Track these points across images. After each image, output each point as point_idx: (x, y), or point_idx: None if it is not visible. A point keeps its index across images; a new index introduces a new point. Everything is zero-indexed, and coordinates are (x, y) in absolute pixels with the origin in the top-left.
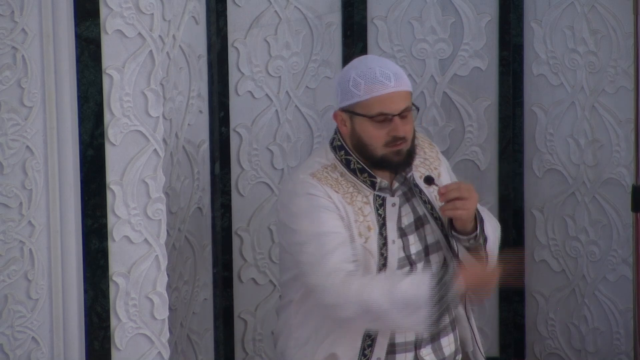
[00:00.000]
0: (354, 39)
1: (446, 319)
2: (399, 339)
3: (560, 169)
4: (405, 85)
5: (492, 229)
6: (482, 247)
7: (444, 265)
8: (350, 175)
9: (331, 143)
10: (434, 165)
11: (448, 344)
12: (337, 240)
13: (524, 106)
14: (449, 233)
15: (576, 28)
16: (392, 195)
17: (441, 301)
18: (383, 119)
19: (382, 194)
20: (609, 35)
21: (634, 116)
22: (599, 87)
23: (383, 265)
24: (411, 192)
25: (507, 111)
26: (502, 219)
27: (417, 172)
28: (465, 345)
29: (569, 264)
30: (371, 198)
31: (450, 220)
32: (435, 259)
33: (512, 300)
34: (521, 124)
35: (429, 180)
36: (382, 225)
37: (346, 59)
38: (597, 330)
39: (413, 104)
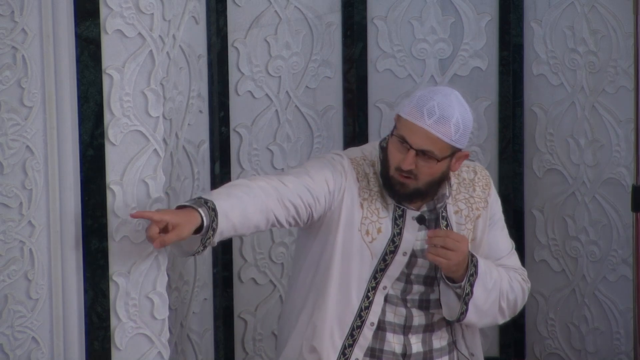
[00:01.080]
0: (354, 39)
1: (443, 341)
2: (387, 347)
3: (560, 169)
4: (442, 132)
5: (490, 290)
6: (462, 298)
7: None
8: (381, 179)
9: (380, 142)
10: (476, 206)
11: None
12: (306, 181)
13: (524, 106)
14: (438, 273)
15: (576, 28)
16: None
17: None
18: (400, 142)
19: (402, 206)
20: (609, 35)
21: (634, 116)
22: (599, 87)
23: (382, 270)
24: (437, 222)
25: (507, 111)
26: None
27: (454, 206)
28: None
29: (569, 264)
30: (392, 206)
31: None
32: (430, 290)
33: None
34: (521, 124)
35: (421, 220)
36: (398, 234)
37: (346, 59)
38: (597, 330)
39: (434, 155)
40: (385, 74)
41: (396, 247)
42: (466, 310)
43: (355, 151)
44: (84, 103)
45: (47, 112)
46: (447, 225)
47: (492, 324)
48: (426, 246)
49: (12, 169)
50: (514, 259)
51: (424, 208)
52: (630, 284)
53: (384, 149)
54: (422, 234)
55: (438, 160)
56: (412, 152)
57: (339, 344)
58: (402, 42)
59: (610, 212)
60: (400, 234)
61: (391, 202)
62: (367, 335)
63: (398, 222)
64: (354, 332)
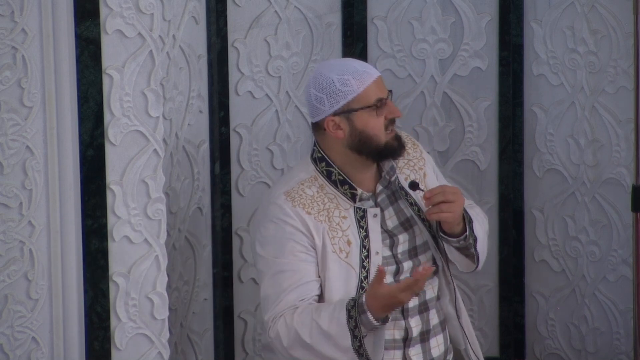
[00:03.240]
0: (354, 39)
1: (435, 320)
2: (387, 336)
3: (560, 169)
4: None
5: (481, 226)
6: (472, 246)
7: (354, 297)
8: (331, 187)
9: (311, 155)
10: (418, 165)
11: (437, 344)
12: (294, 279)
13: (524, 106)
14: (437, 235)
15: (576, 28)
16: (375, 204)
17: (357, 329)
18: (381, 104)
19: (363, 206)
20: (609, 35)
21: (634, 116)
22: (599, 87)
23: (365, 278)
24: (396, 195)
25: (507, 111)
26: (502, 219)
27: (402, 174)
28: (456, 344)
29: (569, 264)
30: (351, 211)
31: (439, 223)
32: (424, 259)
33: (512, 300)
34: (521, 124)
35: (414, 186)
36: (365, 237)
37: None
38: (597, 330)
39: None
40: (385, 74)
41: (368, 251)
42: (478, 256)
43: (288, 183)
44: (84, 103)
45: (47, 112)
46: (406, 194)
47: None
48: (398, 221)
49: (12, 169)
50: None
51: (380, 187)
52: (630, 284)
53: (321, 159)
54: (390, 210)
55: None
56: (389, 101)
57: None
58: (402, 42)
59: (610, 212)
60: (367, 236)
61: (350, 207)
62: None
63: (362, 223)
64: None
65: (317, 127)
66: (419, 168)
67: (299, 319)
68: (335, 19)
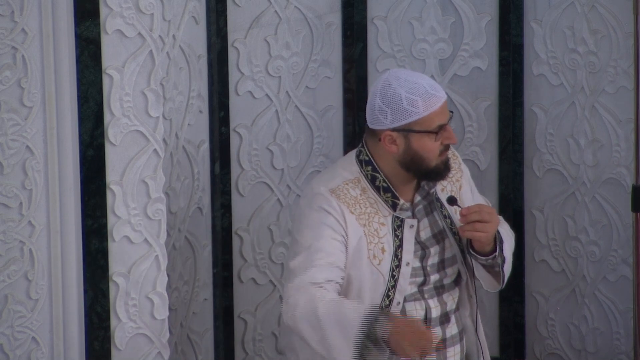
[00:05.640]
0: (354, 39)
1: (454, 330)
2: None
3: (560, 169)
4: (444, 94)
5: (510, 247)
6: (499, 266)
7: (384, 306)
8: (373, 192)
9: (357, 156)
10: (455, 177)
11: (453, 354)
12: (327, 260)
13: (524, 106)
14: (467, 251)
15: (576, 28)
16: (412, 215)
17: (365, 333)
18: (441, 130)
19: (401, 216)
20: (609, 35)
21: (634, 116)
22: (599, 87)
23: (392, 287)
24: (432, 205)
25: (507, 111)
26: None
27: (439, 185)
28: (470, 356)
29: (569, 264)
30: (389, 219)
31: (470, 240)
32: (450, 272)
33: (512, 300)
34: (521, 124)
35: (452, 201)
36: (398, 247)
37: (346, 59)
38: (597, 330)
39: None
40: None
41: (399, 261)
42: (504, 276)
43: (333, 181)
44: (84, 103)
45: (47, 112)
46: (441, 206)
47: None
48: (430, 233)
49: (12, 169)
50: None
51: (418, 198)
52: (630, 284)
53: (368, 162)
54: (425, 221)
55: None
56: (449, 126)
57: None
58: (402, 42)
59: (610, 212)
60: (400, 245)
61: (388, 214)
62: None
63: (397, 232)
64: None
65: (373, 134)
66: (456, 180)
67: (324, 296)
68: (335, 18)
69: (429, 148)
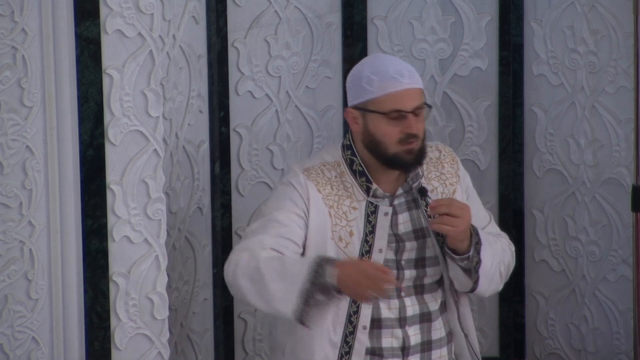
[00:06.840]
0: (354, 39)
1: (441, 332)
2: (385, 344)
3: (560, 169)
4: (418, 82)
5: (494, 254)
6: (474, 269)
7: (327, 258)
8: (350, 176)
9: (343, 142)
10: (450, 181)
11: (439, 356)
12: (280, 230)
13: (524, 106)
14: (442, 249)
15: (576, 28)
16: (390, 203)
17: (311, 280)
18: (397, 116)
19: (375, 202)
20: (609, 35)
21: (634, 116)
22: (599, 87)
23: None
24: (416, 202)
25: (507, 111)
26: (502, 219)
27: (430, 185)
28: (460, 356)
29: (569, 264)
30: (363, 204)
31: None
32: (431, 272)
33: (512, 300)
34: (521, 124)
35: (422, 192)
36: (370, 233)
37: (346, 59)
38: (597, 330)
39: (425, 102)
40: None
41: (370, 247)
42: (478, 279)
43: (313, 160)
44: (84, 103)
45: (47, 112)
46: (426, 205)
47: (495, 291)
48: (411, 228)
49: (12, 169)
50: (495, 226)
51: (400, 190)
52: (630, 284)
53: (348, 146)
54: (405, 215)
55: (426, 109)
56: (410, 116)
57: (333, 356)
58: (402, 42)
59: (610, 212)
60: (372, 232)
61: (363, 199)
62: (361, 339)
63: (370, 218)
64: (347, 339)
65: (347, 114)
66: (450, 184)
67: (268, 254)
68: (335, 18)
69: (384, 132)
